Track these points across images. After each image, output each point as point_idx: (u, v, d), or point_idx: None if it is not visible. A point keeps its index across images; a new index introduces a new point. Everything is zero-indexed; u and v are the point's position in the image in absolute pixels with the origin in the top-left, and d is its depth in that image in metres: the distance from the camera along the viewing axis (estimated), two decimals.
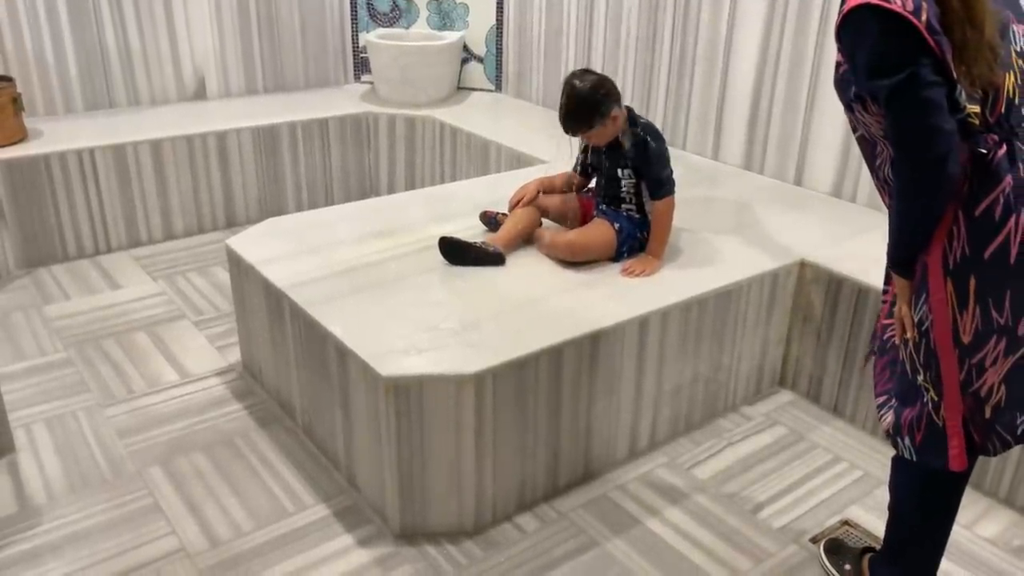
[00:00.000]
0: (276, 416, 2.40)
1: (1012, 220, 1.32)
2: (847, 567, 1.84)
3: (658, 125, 3.47)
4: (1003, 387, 1.42)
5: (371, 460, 1.99)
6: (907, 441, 1.52)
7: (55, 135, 3.37)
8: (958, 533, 2.00)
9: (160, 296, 3.09)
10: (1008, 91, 1.34)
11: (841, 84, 1.43)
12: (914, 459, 1.52)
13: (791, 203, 2.88)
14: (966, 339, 1.39)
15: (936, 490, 1.59)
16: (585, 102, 2.22)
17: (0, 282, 3.15)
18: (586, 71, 2.27)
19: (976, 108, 1.32)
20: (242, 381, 2.57)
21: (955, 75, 1.28)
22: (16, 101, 3.27)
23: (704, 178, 3.13)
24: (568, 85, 2.24)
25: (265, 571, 1.86)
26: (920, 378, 1.47)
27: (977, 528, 2.03)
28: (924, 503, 1.61)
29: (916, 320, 1.44)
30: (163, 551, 1.91)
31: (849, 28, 1.33)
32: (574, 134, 2.30)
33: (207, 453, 2.24)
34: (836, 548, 1.90)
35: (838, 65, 1.42)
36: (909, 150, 1.32)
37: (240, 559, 1.89)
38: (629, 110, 2.31)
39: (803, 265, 2.44)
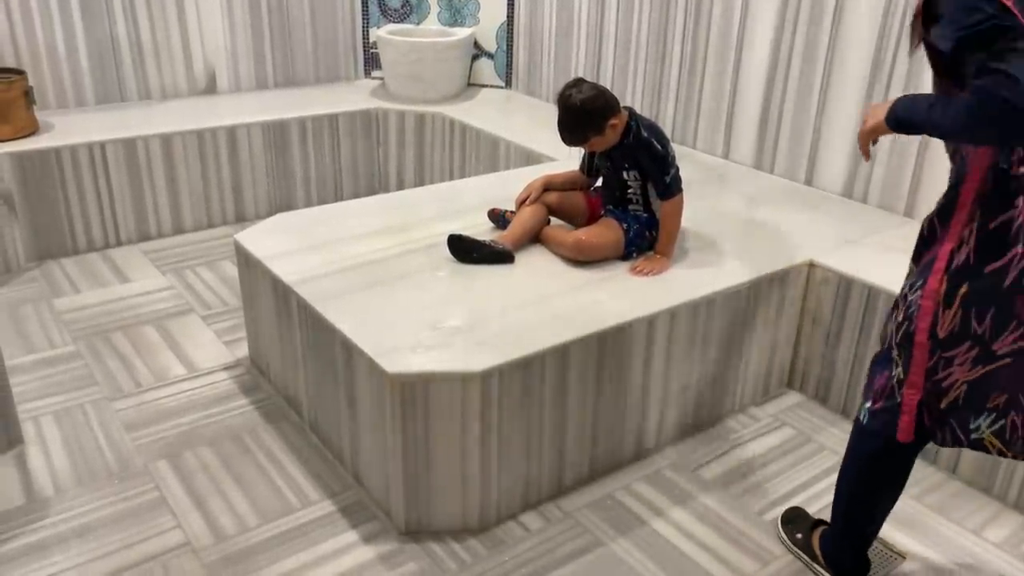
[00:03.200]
0: (283, 412, 2.41)
1: (1020, 248, 1.37)
2: (798, 536, 1.93)
3: (668, 123, 3.48)
4: (964, 386, 1.50)
5: (377, 457, 1.99)
6: (868, 405, 1.62)
7: (66, 128, 3.39)
8: (966, 538, 1.99)
9: (169, 290, 3.10)
10: None
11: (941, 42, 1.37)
12: (864, 422, 1.63)
13: (802, 203, 2.87)
14: (941, 334, 1.47)
15: (880, 465, 1.68)
16: (580, 115, 2.21)
17: (10, 275, 3.16)
18: (581, 80, 2.27)
19: None
20: (249, 376, 2.58)
21: None
22: (28, 94, 3.28)
23: (714, 177, 3.12)
24: (563, 97, 2.24)
25: (270, 566, 1.86)
26: (895, 353, 1.56)
27: (985, 533, 2.01)
28: (866, 475, 1.70)
29: (907, 303, 1.52)
30: (169, 545, 1.91)
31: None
32: (572, 145, 2.31)
33: (214, 448, 2.24)
34: (792, 518, 1.99)
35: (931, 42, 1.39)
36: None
37: (245, 554, 1.89)
38: (630, 111, 2.30)
39: (813, 266, 2.43)
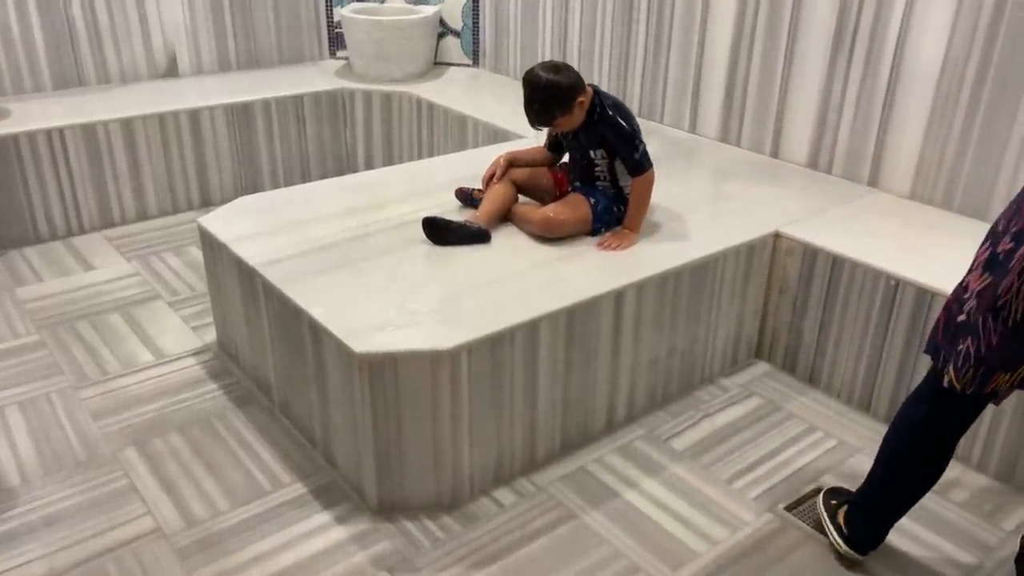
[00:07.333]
0: (252, 395, 2.39)
1: None
2: (833, 502, 1.91)
3: (635, 99, 3.48)
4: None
5: (348, 437, 1.98)
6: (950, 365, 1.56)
7: (23, 114, 3.31)
8: (929, 499, 2.03)
9: (134, 277, 3.06)
10: None
11: None
12: (942, 386, 1.58)
13: (767, 175, 2.88)
14: None
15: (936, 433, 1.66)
16: (548, 93, 2.20)
17: None
18: (545, 63, 2.26)
19: None
20: (218, 361, 2.55)
21: None
22: None
23: (681, 151, 3.12)
24: (529, 77, 2.23)
25: (242, 550, 1.85)
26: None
27: (950, 494, 2.05)
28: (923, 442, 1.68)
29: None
30: (139, 531, 1.90)
31: None
32: (540, 126, 2.30)
33: (183, 433, 2.23)
34: (837, 491, 1.95)
35: None
36: None
37: (217, 538, 1.88)
38: (595, 90, 2.29)
39: (778, 236, 2.44)
